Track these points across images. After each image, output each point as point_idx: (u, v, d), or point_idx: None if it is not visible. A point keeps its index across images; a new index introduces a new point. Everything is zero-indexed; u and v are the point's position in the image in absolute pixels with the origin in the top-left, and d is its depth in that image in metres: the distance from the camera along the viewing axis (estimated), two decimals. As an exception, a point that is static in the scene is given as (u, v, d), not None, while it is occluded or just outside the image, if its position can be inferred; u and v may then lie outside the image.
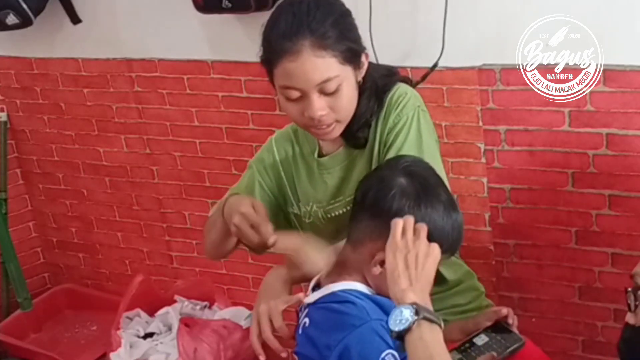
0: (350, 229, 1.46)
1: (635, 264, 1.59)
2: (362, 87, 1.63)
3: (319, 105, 1.54)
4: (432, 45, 2.25)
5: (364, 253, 1.41)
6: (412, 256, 1.30)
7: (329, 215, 1.72)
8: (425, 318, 1.23)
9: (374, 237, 1.38)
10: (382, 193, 1.39)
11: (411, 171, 1.42)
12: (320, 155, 1.73)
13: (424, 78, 2.23)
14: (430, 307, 1.26)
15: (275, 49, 1.53)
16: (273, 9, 1.61)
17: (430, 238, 1.36)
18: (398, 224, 1.33)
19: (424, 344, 1.22)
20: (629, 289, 1.54)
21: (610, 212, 2.29)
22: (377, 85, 1.67)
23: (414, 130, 1.62)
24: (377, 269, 1.39)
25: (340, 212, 1.69)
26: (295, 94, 1.54)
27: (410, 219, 1.33)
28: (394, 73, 1.76)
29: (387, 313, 1.38)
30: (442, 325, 1.26)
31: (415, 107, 1.65)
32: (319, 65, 1.51)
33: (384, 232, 1.36)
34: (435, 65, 2.24)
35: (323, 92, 1.54)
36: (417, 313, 1.23)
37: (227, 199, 1.64)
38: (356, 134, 1.66)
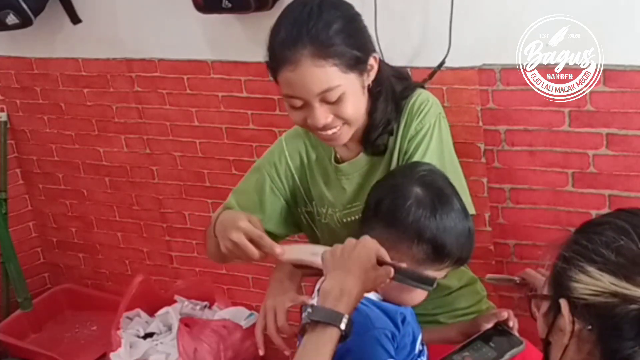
0: (360, 234, 1.44)
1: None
2: (376, 90, 1.60)
3: (321, 114, 1.52)
4: (435, 45, 2.24)
5: None
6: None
7: (344, 220, 1.71)
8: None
9: (387, 246, 1.37)
10: (397, 203, 1.39)
11: (426, 181, 1.42)
12: (337, 160, 1.70)
13: (430, 77, 2.23)
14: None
15: (276, 58, 1.51)
16: (280, 10, 1.57)
17: (443, 248, 1.37)
18: None
19: None
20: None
21: (610, 212, 2.29)
22: (394, 89, 1.63)
23: (435, 138, 1.60)
24: None
25: (356, 217, 1.67)
26: (297, 103, 1.52)
27: None
28: (406, 77, 1.74)
29: (393, 320, 1.39)
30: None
31: (436, 115, 1.63)
32: (318, 76, 1.47)
33: (398, 241, 1.37)
34: (441, 64, 2.23)
35: (325, 101, 1.51)
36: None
37: (220, 213, 1.61)
38: (375, 141, 1.63)
